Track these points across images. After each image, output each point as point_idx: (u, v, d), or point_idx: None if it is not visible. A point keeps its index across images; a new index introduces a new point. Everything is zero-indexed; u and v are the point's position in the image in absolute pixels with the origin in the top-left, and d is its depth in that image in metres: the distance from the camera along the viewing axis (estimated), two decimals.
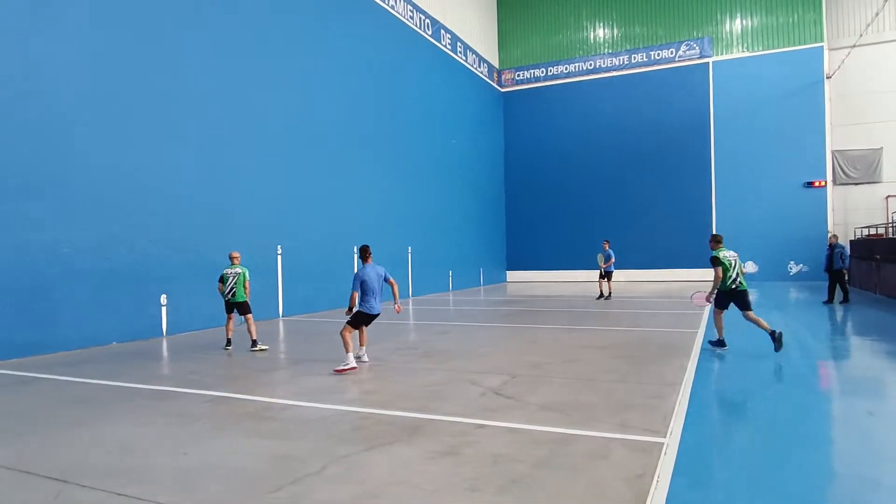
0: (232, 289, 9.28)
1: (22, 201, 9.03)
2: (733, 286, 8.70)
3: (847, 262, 15.13)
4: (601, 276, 17.79)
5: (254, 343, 9.27)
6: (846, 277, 15.25)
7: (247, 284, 9.40)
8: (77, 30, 9.90)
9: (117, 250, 10.35)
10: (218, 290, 9.58)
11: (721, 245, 8.99)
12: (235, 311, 9.44)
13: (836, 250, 14.73)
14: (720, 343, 8.90)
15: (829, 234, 16.59)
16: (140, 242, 10.75)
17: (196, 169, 12.04)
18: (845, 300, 15.01)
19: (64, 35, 9.70)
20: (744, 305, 8.70)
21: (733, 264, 8.76)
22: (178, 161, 11.64)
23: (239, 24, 13.28)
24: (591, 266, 27.44)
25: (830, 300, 15.12)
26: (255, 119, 13.62)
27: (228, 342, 9.45)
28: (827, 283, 15.53)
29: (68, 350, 9.48)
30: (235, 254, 9.61)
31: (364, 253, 7.96)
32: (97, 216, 10.08)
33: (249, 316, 9.43)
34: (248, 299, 9.44)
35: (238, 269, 9.37)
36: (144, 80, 11.00)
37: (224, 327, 9.67)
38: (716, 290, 8.87)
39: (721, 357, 8.29)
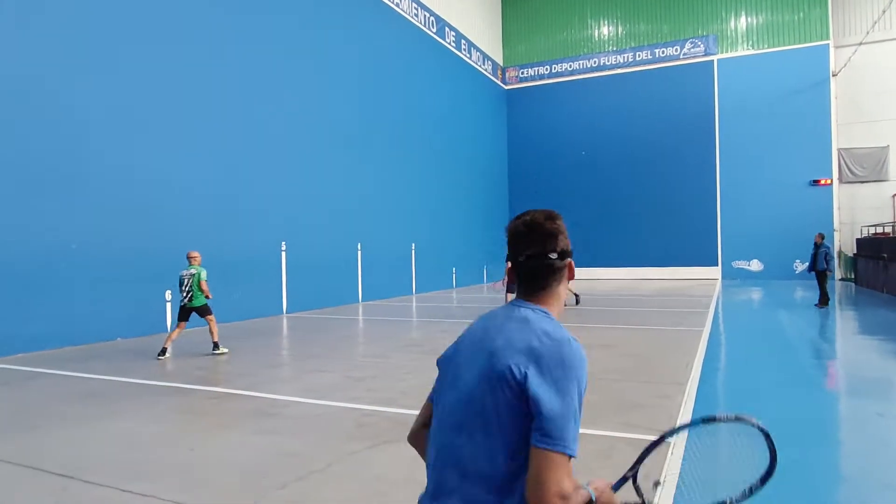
0: (189, 292, 8.50)
1: (32, 198, 9.05)
2: None
3: (832, 263, 14.08)
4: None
5: (215, 346, 8.64)
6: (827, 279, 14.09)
7: (203, 285, 8.55)
8: (91, 31, 9.91)
9: (124, 247, 10.37)
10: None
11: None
12: (192, 316, 8.67)
13: (821, 250, 13.87)
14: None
15: (829, 233, 15.72)
16: (146, 240, 10.76)
17: (202, 166, 12.04)
18: (823, 303, 13.95)
19: (77, 36, 9.70)
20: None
21: None
22: (184, 159, 11.64)
23: (245, 23, 13.26)
24: (594, 263, 27.51)
25: (825, 302, 14.13)
26: (259, 117, 13.61)
27: (164, 351, 8.39)
28: (818, 286, 14.44)
29: (75, 345, 9.51)
30: (194, 253, 8.73)
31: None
32: (105, 214, 10.09)
33: (210, 317, 8.67)
34: (206, 302, 8.64)
35: (193, 270, 8.57)
36: (154, 79, 11.01)
37: (167, 335, 8.80)
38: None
39: (727, 356, 8.26)
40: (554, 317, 1.44)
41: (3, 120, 8.79)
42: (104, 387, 6.66)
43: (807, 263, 24.45)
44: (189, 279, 8.48)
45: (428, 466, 1.48)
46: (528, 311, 1.41)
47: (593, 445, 4.33)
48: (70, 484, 3.75)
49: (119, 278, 10.27)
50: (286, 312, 14.19)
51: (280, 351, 9.17)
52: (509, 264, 1.62)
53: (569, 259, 1.49)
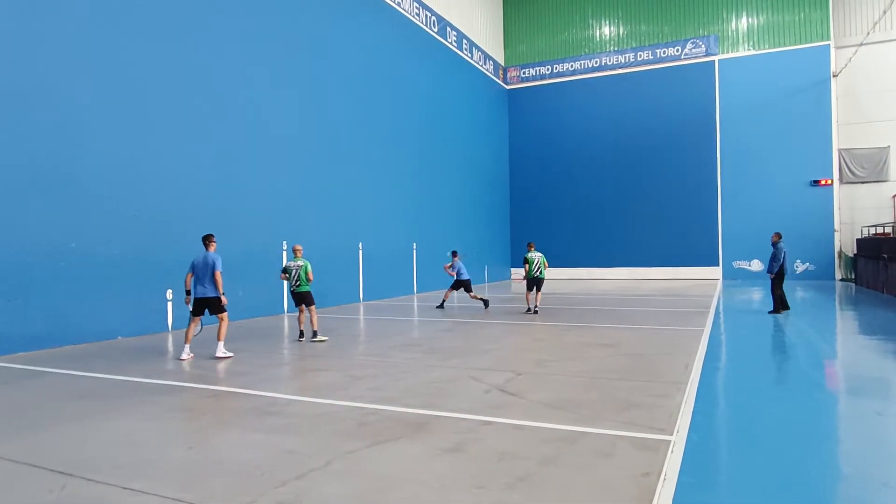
0: (297, 281, 9.72)
1: (32, 197, 9.05)
2: (536, 275, 13.23)
3: (776, 266, 12.51)
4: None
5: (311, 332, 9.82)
6: (779, 284, 12.66)
7: (309, 275, 9.79)
8: (89, 28, 9.91)
9: (124, 246, 10.38)
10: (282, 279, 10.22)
11: (532, 249, 13.51)
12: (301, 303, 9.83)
13: (774, 252, 12.61)
14: (529, 311, 13.30)
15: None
16: (146, 238, 10.77)
17: (202, 164, 12.05)
18: (774, 310, 12.61)
19: (76, 34, 9.71)
20: (539, 287, 13.37)
21: (535, 261, 13.26)
22: (185, 157, 11.65)
23: (246, 21, 13.27)
24: (595, 263, 27.51)
25: (776, 309, 12.67)
26: (261, 115, 13.62)
27: (301, 334, 9.80)
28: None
29: (75, 344, 9.51)
30: (298, 246, 10.11)
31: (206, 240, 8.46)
32: (105, 212, 10.10)
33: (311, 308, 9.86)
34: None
35: (300, 262, 9.76)
36: (153, 78, 11.01)
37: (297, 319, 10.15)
38: (526, 277, 13.39)
39: (727, 356, 8.26)
40: (214, 250, 8.35)
41: (2, 119, 8.80)
42: (104, 385, 6.67)
43: (808, 264, 24.71)
44: (296, 269, 9.72)
45: (194, 284, 8.16)
46: (211, 253, 8.23)
47: (594, 444, 4.33)
48: (69, 481, 3.76)
49: (119, 277, 10.27)
50: (287, 312, 14.20)
51: (280, 350, 9.16)
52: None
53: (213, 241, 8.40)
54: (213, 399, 5.98)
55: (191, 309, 8.25)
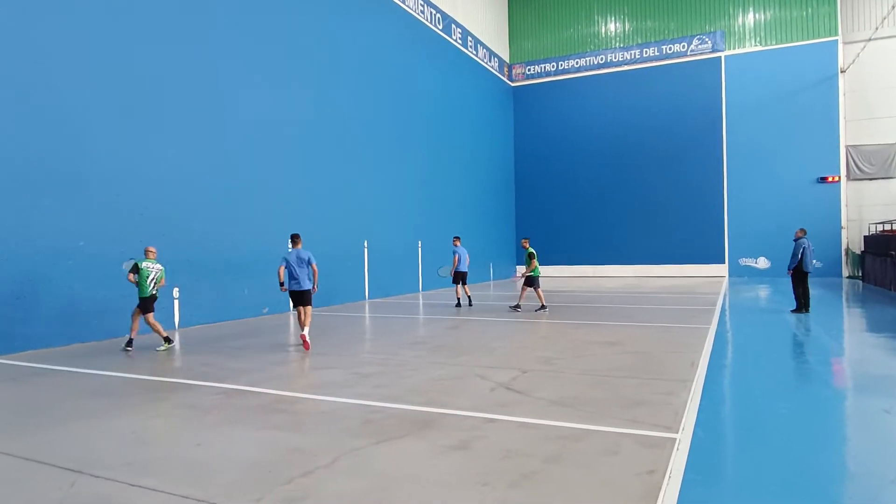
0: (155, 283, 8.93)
1: (39, 195, 9.11)
2: (540, 273, 13.43)
3: (792, 263, 12.39)
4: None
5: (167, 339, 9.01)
6: (798, 282, 12.41)
7: (162, 281, 9.03)
8: (94, 27, 9.95)
9: (131, 244, 10.42)
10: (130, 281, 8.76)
11: (528, 245, 13.64)
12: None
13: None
14: (517, 307, 13.48)
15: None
16: (153, 237, 10.80)
17: (208, 164, 12.09)
18: (797, 309, 12.46)
19: (81, 32, 9.76)
20: (537, 285, 13.38)
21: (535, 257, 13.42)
22: (191, 156, 11.69)
23: (251, 20, 13.29)
24: (601, 260, 27.45)
25: (800, 308, 12.43)
26: (267, 114, 13.64)
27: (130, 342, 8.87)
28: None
29: (83, 342, 9.57)
30: (152, 248, 9.18)
31: (294, 239, 9.25)
32: (112, 211, 10.15)
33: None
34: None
35: (158, 265, 9.01)
36: (159, 77, 11.05)
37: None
38: (528, 274, 13.30)
39: (734, 353, 8.24)
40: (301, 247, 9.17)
41: (7, 119, 8.86)
42: (111, 383, 6.71)
43: (814, 261, 24.42)
44: (156, 272, 8.93)
45: (289, 276, 8.99)
46: (306, 249, 9.17)
47: (600, 441, 4.33)
48: (78, 478, 3.79)
49: (126, 276, 10.30)
50: (293, 310, 14.24)
51: (286, 348, 9.20)
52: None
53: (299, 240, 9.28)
54: (220, 396, 6.01)
55: (291, 300, 9.37)
